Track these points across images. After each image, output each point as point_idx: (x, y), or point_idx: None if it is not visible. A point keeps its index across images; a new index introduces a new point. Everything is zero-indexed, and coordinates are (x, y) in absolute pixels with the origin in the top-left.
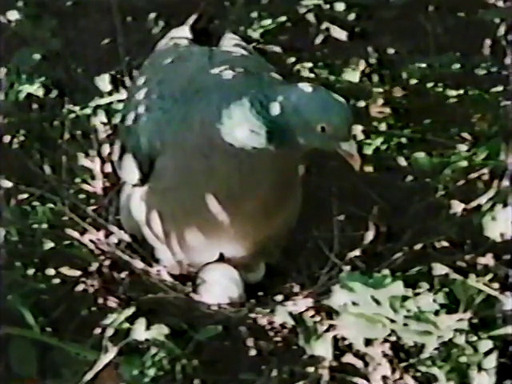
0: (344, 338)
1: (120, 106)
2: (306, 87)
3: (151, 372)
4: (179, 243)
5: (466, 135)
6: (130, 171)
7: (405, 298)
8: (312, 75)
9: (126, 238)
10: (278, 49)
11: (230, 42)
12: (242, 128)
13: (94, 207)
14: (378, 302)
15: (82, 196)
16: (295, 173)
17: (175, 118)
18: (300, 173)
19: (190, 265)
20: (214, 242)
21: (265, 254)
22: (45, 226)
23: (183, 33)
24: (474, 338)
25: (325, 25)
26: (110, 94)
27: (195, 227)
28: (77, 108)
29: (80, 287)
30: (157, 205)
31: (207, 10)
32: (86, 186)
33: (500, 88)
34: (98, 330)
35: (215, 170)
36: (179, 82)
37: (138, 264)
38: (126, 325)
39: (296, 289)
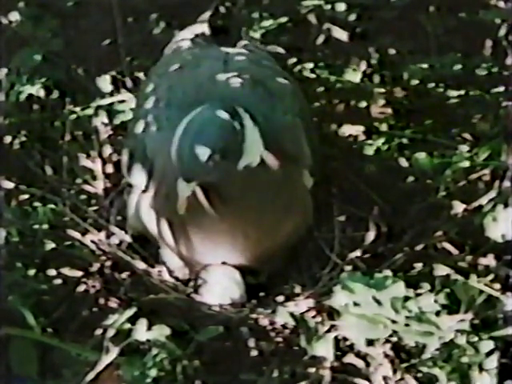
0: (345, 339)
1: (121, 107)
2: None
3: (152, 373)
4: (187, 248)
5: (467, 136)
6: (139, 177)
7: (406, 299)
8: (313, 76)
9: (127, 238)
10: (280, 49)
11: (239, 44)
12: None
13: (95, 208)
14: (379, 303)
15: (83, 197)
16: (293, 186)
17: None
18: (309, 184)
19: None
20: (216, 250)
21: (269, 264)
22: (46, 226)
23: (201, 29)
24: (476, 339)
25: (326, 25)
26: (111, 94)
27: (197, 232)
28: (78, 109)
29: (81, 288)
30: (163, 210)
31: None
32: (87, 187)
33: (501, 88)
34: (99, 331)
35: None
36: (188, 89)
37: (140, 265)
38: (127, 325)
39: (297, 289)
